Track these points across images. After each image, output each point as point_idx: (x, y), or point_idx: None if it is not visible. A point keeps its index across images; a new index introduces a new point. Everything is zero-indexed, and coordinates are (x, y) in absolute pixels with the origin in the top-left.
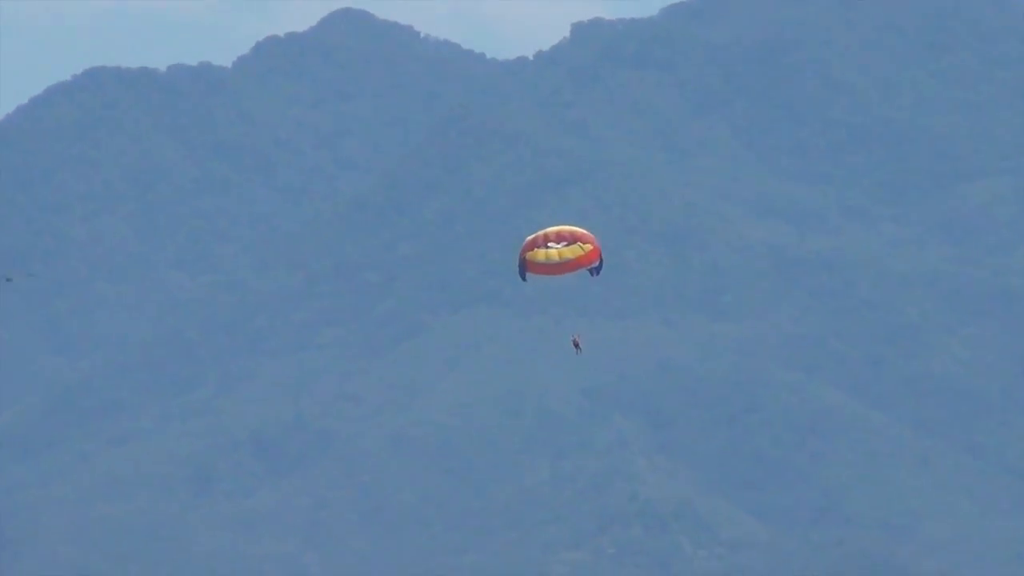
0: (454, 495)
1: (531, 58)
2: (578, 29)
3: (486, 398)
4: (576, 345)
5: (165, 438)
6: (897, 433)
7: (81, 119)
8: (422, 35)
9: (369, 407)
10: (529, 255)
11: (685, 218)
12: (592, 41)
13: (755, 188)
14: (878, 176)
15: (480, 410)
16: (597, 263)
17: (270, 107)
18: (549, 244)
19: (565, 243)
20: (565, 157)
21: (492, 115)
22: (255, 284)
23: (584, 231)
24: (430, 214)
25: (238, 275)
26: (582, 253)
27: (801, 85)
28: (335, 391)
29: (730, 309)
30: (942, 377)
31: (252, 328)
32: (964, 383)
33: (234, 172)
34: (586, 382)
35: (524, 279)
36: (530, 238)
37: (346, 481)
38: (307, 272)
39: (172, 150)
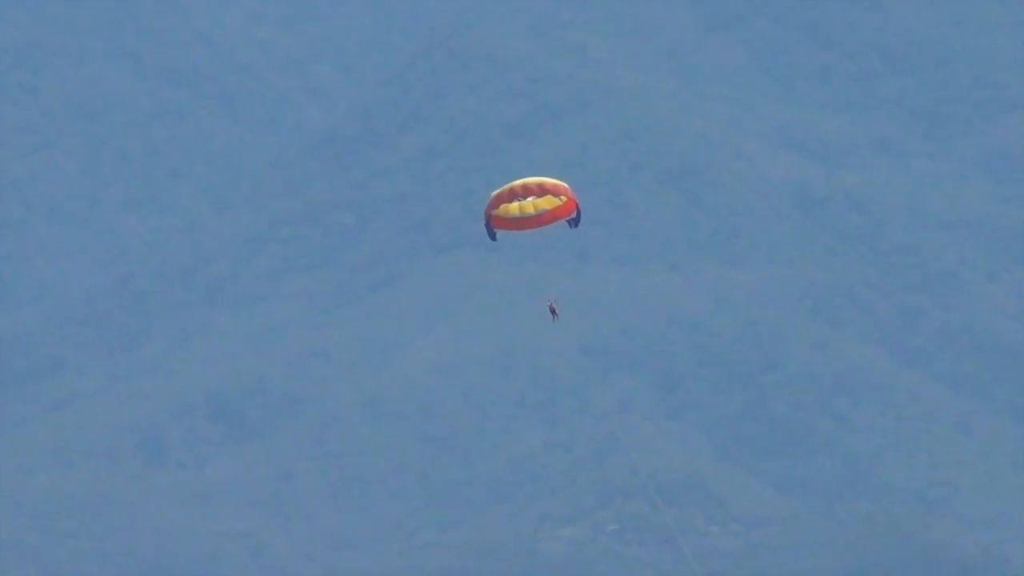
0: (436, 465)
1: None
2: None
3: (472, 355)
4: (553, 312)
5: (111, 401)
6: (933, 394)
7: (18, 41)
8: None
9: (340, 366)
10: (498, 211)
11: (697, 152)
12: None
13: (775, 119)
14: (912, 105)
15: (465, 369)
16: (575, 214)
17: (230, 28)
18: (519, 198)
19: (535, 196)
20: (563, 84)
21: (480, 37)
22: (213, 227)
23: (557, 181)
24: (410, 149)
25: (194, 217)
26: (559, 204)
27: (826, 1)
28: (302, 347)
29: (746, 255)
30: (983, 330)
31: (209, 276)
32: (1008, 336)
33: (190, 101)
34: (585, 338)
35: (494, 238)
36: (496, 193)
37: (314, 449)
38: (271, 214)
39: (121, 76)
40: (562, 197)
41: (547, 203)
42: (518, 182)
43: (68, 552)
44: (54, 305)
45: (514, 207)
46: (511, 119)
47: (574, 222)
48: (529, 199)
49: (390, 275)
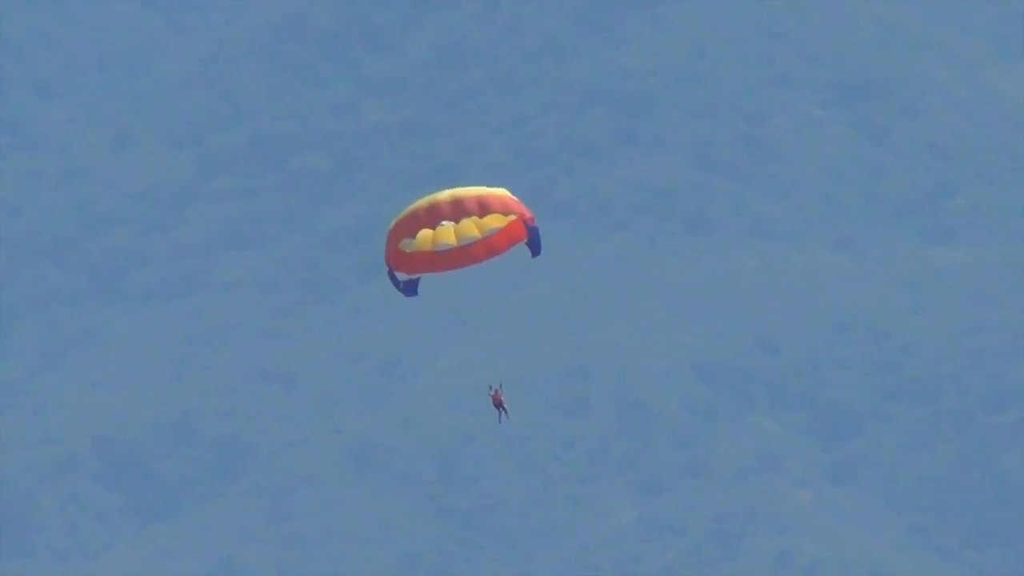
0: (468, 561)
1: None
2: None
3: (523, 379)
4: (499, 406)
5: None
6: None
7: None
8: None
9: (310, 396)
10: (415, 242)
11: (877, 62)
12: None
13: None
14: None
15: (510, 401)
16: (532, 236)
17: None
18: (446, 219)
19: (473, 215)
20: None
21: None
22: (109, 173)
23: (501, 192)
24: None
25: (81, 159)
26: (505, 224)
27: None
28: (250, 367)
29: (958, 224)
30: None
31: (103, 256)
32: None
33: None
34: (702, 353)
35: (399, 287)
36: (407, 214)
37: (267, 528)
38: (202, 153)
39: None
40: (511, 215)
41: (476, 227)
42: (443, 195)
43: None
44: None
45: (443, 234)
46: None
47: (534, 248)
48: (464, 221)
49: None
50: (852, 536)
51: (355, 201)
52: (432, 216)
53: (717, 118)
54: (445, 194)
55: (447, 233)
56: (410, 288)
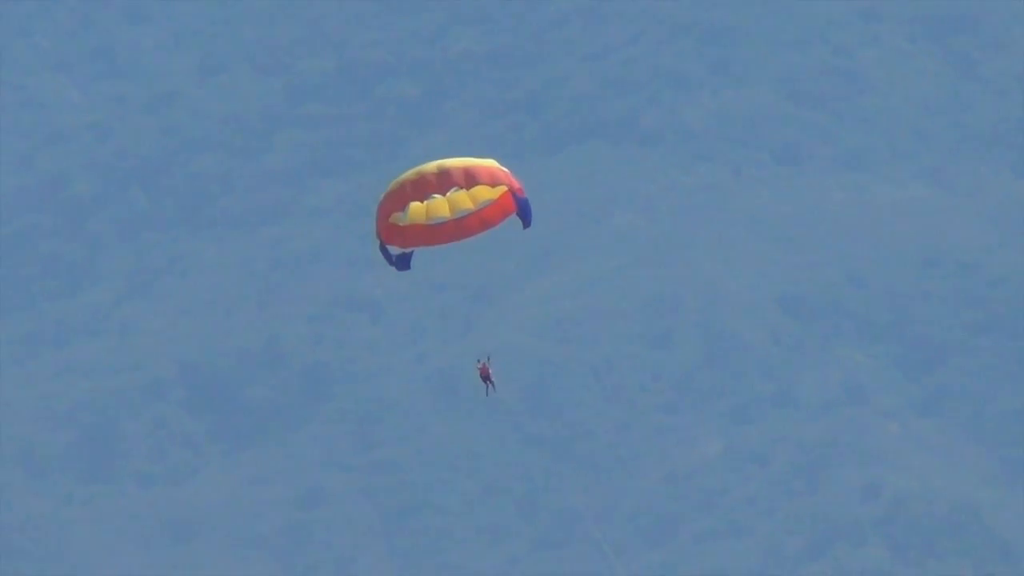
0: (548, 486)
1: None
2: None
3: (606, 310)
4: (486, 378)
5: (34, 377)
6: None
7: None
8: None
9: (394, 325)
10: (406, 216)
11: None
12: None
13: None
14: None
15: (595, 333)
16: (523, 208)
17: None
18: (435, 192)
19: (460, 188)
20: None
21: None
22: (197, 98)
23: (489, 163)
24: None
25: (170, 85)
26: (494, 196)
27: None
28: (335, 295)
29: None
30: None
31: (191, 181)
32: None
33: None
34: (786, 286)
35: (391, 261)
36: (394, 187)
37: (353, 456)
38: (290, 78)
39: None
40: (499, 186)
41: (470, 199)
42: (430, 167)
43: None
44: None
45: (436, 206)
46: None
47: (524, 219)
48: (451, 193)
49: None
50: (938, 469)
51: (442, 129)
52: (419, 189)
53: (806, 50)
54: (432, 165)
55: (441, 205)
56: (403, 262)
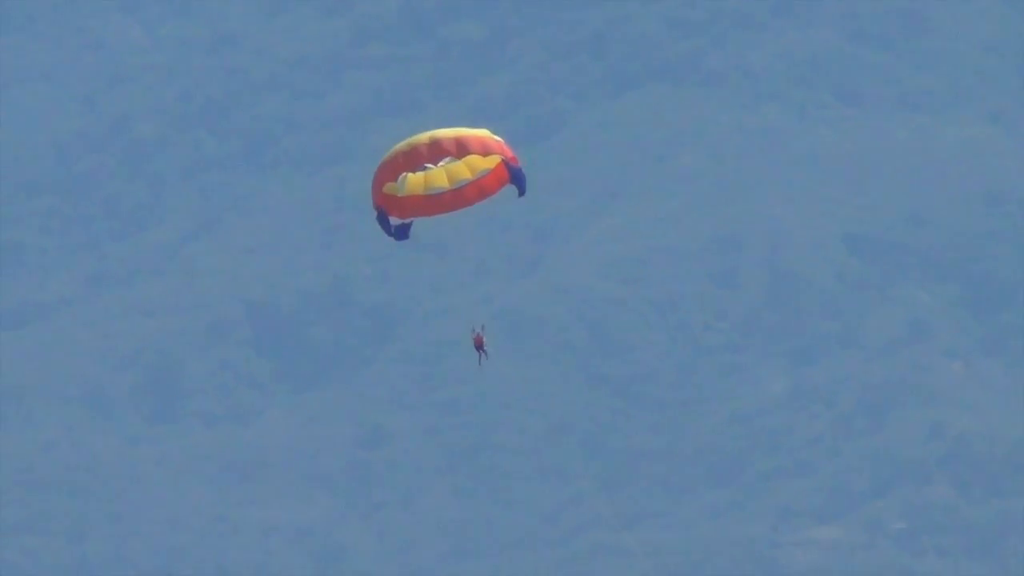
0: (609, 426)
1: None
2: None
3: (668, 251)
4: (480, 347)
5: (97, 318)
6: None
7: None
8: None
9: (455, 266)
10: (404, 186)
11: None
12: None
13: None
14: None
15: (657, 274)
16: (517, 178)
17: None
18: (427, 163)
19: (452, 158)
20: None
21: None
22: (257, 39)
23: (482, 133)
24: None
25: (227, 26)
26: (489, 167)
27: None
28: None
29: None
30: None
31: (250, 123)
32: None
33: None
34: (851, 224)
35: (390, 231)
36: (387, 158)
37: (414, 396)
38: (358, 18)
39: None
40: (492, 156)
41: (468, 169)
42: (422, 137)
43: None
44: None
45: (434, 177)
46: None
47: (519, 188)
48: (443, 163)
49: (537, 124)
50: (1003, 408)
51: (507, 70)
52: (411, 159)
53: None
54: (424, 136)
55: (439, 176)
56: (401, 232)
